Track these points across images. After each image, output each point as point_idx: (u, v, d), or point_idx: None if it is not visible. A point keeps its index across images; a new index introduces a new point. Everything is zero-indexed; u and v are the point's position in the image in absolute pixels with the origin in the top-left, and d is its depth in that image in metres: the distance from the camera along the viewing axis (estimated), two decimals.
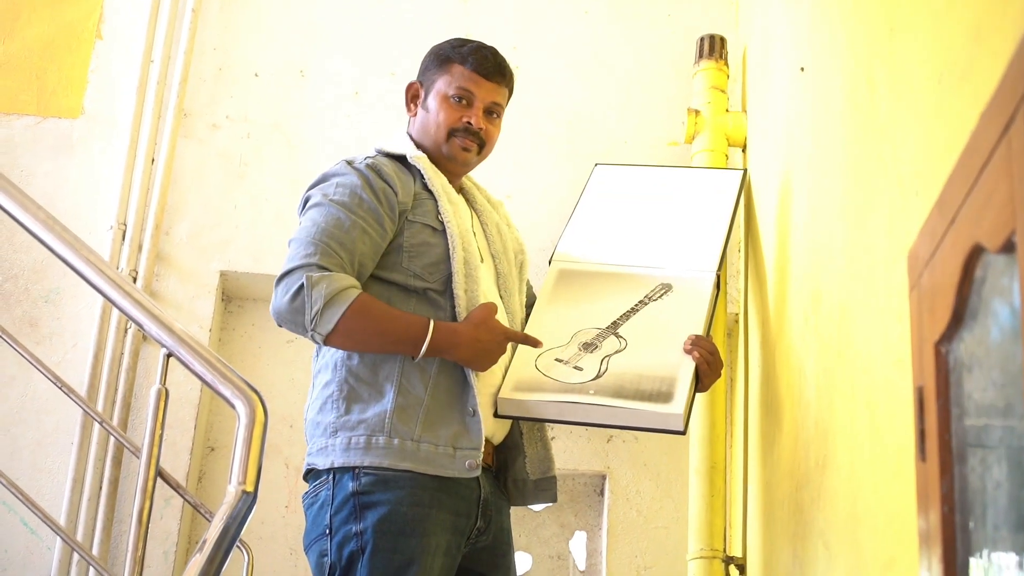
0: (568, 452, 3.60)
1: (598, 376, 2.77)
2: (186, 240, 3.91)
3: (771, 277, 3.14)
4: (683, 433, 2.77)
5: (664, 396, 2.72)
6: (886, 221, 1.86)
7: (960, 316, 1.33)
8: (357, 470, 2.59)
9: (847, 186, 2.26)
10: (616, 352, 2.84)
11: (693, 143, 3.64)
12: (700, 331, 2.86)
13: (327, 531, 2.58)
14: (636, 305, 2.95)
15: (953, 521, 1.32)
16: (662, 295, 2.97)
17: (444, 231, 2.77)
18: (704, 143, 3.60)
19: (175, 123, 4.04)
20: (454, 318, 2.73)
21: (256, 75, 4.13)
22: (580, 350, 2.85)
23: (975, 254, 1.25)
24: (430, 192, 2.82)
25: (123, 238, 3.86)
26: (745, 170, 3.48)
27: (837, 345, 2.27)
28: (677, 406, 2.69)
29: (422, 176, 2.82)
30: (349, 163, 2.77)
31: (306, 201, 2.78)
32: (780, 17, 3.25)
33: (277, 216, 3.90)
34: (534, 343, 2.79)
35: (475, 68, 2.89)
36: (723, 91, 3.68)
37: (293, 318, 2.57)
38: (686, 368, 2.77)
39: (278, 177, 3.98)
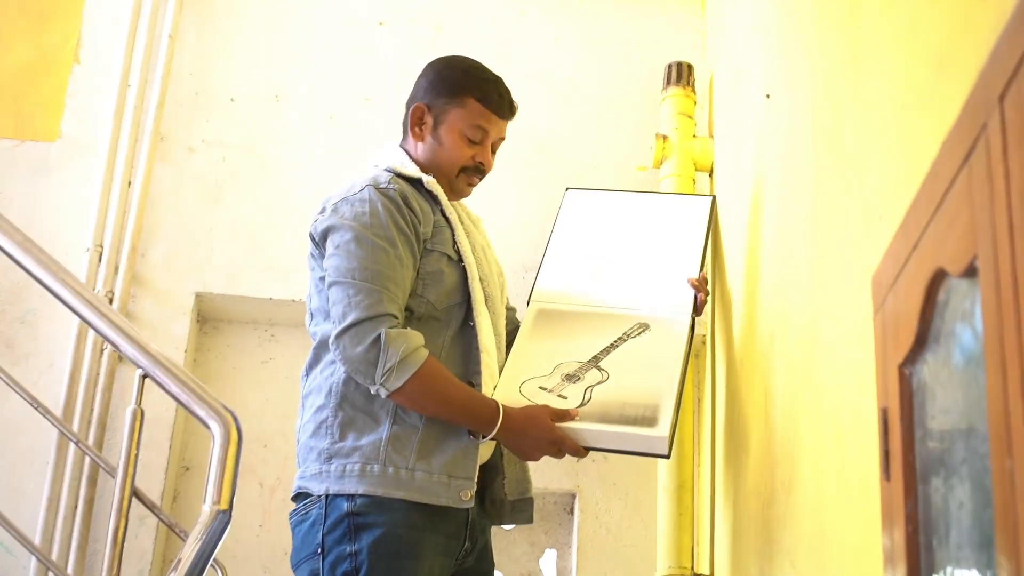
0: (539, 471, 3.59)
1: (582, 404, 2.78)
2: (162, 262, 3.90)
3: (738, 299, 3.15)
4: (667, 457, 2.81)
5: (649, 420, 2.73)
6: (851, 245, 1.87)
7: (923, 339, 1.34)
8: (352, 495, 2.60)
9: (813, 211, 2.27)
10: (599, 383, 2.84)
11: (661, 168, 3.65)
12: (678, 368, 2.89)
13: (319, 550, 2.57)
14: (615, 341, 2.97)
15: (917, 540, 1.33)
16: (640, 333, 2.99)
17: (459, 261, 2.79)
18: (672, 168, 3.62)
19: (152, 147, 4.03)
20: (449, 344, 2.77)
21: (232, 100, 4.13)
22: (563, 380, 2.86)
23: (938, 278, 1.26)
24: (447, 220, 2.82)
25: (99, 260, 3.85)
26: (713, 197, 3.48)
27: (803, 366, 2.29)
28: (662, 429, 2.71)
29: (439, 203, 2.83)
30: (377, 188, 2.73)
31: (334, 228, 2.73)
32: (746, 44, 3.28)
33: (252, 238, 3.90)
34: (572, 416, 2.77)
35: (492, 108, 2.89)
36: (690, 117, 3.70)
37: (365, 369, 2.56)
38: (668, 395, 2.79)
39: (253, 200, 3.97)
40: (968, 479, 1.21)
